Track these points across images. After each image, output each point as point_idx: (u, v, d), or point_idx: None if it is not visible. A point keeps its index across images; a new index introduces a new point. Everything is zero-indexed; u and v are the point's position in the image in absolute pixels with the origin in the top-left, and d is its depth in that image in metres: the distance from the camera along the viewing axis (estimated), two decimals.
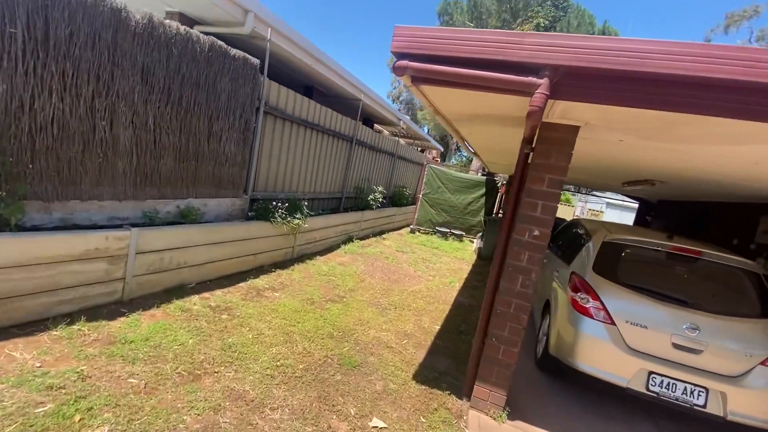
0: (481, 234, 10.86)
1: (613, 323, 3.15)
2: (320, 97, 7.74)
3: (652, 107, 1.86)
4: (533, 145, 2.79)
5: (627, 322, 3.11)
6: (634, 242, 3.50)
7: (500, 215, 10.78)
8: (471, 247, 10.49)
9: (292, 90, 5.64)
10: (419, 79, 2.26)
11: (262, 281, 4.72)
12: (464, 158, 35.10)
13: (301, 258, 6.02)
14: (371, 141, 9.05)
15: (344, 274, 5.70)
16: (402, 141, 11.78)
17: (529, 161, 2.83)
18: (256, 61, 4.53)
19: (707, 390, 2.88)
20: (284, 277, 5.07)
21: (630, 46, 1.81)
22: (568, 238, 4.75)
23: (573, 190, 15.46)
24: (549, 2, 23.65)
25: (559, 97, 2.00)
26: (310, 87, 7.57)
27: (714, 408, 2.85)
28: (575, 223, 4.96)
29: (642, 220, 13.56)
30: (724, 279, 3.24)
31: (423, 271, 7.00)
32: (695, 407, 2.88)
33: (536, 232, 2.73)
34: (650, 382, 2.98)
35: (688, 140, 2.48)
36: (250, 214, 5.20)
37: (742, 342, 2.90)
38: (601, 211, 23.28)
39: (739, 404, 2.82)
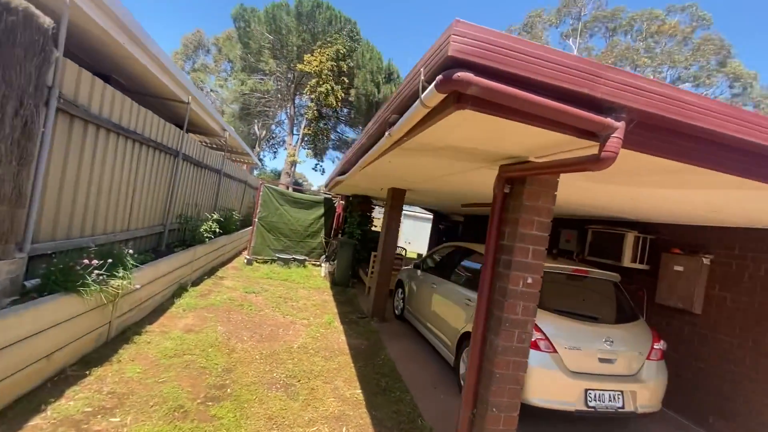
0: (325, 256, 10.33)
1: (555, 351, 3.28)
2: (126, 94, 5.48)
3: (704, 165, 1.88)
4: (512, 186, 2.55)
5: (565, 347, 3.30)
6: (548, 269, 3.81)
7: (343, 235, 10.59)
8: (318, 271, 9.80)
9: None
10: (476, 101, 1.61)
11: (75, 404, 2.71)
12: (270, 171, 33.67)
13: (125, 335, 3.94)
14: (198, 155, 7.13)
15: (203, 347, 4.07)
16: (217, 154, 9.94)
17: (505, 202, 2.58)
18: (48, 21, 2.59)
19: (622, 392, 3.35)
20: (112, 379, 3.11)
21: (705, 104, 1.76)
22: (464, 266, 4.87)
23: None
24: (344, 33, 25.59)
25: (625, 144, 1.79)
26: (106, 76, 5.22)
27: (629, 406, 3.34)
28: (463, 248, 5.14)
29: (437, 229, 16.25)
30: (604, 292, 3.92)
31: (291, 314, 5.90)
32: (618, 410, 3.30)
33: (530, 280, 2.49)
34: (588, 398, 3.24)
35: (664, 186, 2.71)
36: (29, 283, 2.96)
37: (633, 344, 3.54)
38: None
39: (642, 398, 3.40)
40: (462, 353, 4.06)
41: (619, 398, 3.33)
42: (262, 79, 25.45)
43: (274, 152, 33.61)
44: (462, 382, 3.95)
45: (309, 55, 23.29)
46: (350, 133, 29.35)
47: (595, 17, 21.99)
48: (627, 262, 4.99)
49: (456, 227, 15.80)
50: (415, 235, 24.31)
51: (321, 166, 28.50)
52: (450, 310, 4.52)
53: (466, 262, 4.89)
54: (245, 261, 9.25)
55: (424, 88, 1.73)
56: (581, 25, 22.55)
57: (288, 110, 27.26)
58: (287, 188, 13.79)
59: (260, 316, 5.51)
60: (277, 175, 30.63)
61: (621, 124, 1.68)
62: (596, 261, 5.39)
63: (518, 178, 2.50)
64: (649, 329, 3.75)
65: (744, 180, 2.03)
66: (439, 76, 1.52)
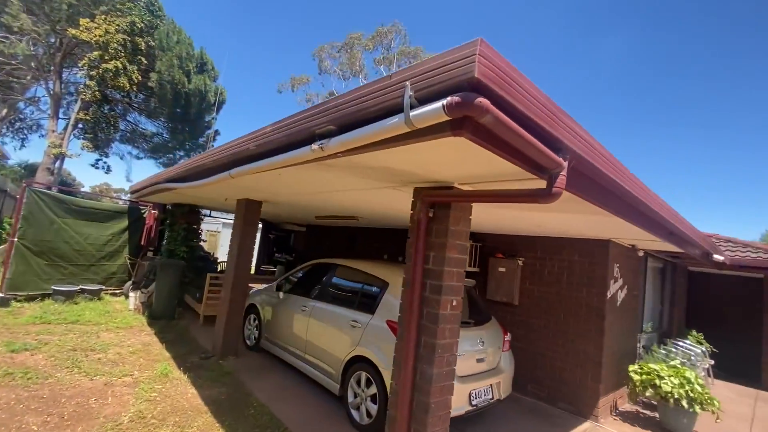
0: (133, 282, 8.08)
1: None
2: None
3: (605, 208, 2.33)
4: (435, 211, 2.55)
5: (457, 356, 3.55)
6: None
7: (159, 254, 8.50)
8: (124, 304, 7.53)
9: None
10: (479, 130, 1.47)
11: None
12: (14, 165, 24.24)
13: None
14: None
15: None
16: None
17: (429, 226, 2.56)
18: None
19: (491, 385, 3.86)
20: None
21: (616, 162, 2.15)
22: (344, 285, 4.61)
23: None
24: (142, 4, 21.16)
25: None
26: None
27: (497, 395, 3.88)
28: (339, 266, 4.85)
29: (266, 239, 15.35)
30: (467, 297, 4.44)
31: (103, 372, 4.28)
32: (490, 402, 3.78)
33: (454, 302, 2.53)
34: (471, 398, 3.58)
35: (539, 210, 3.19)
36: None
37: (494, 340, 4.13)
38: (218, 231, 24.06)
39: (503, 386, 4.00)
40: (350, 380, 3.84)
41: (489, 391, 3.82)
42: (5, 38, 18.07)
43: (22, 139, 24.28)
44: (352, 412, 3.73)
45: (88, 20, 18.03)
46: (149, 125, 24.37)
47: (401, 52, 25.55)
48: (465, 266, 5.86)
49: (288, 237, 15.26)
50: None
51: (105, 162, 22.50)
52: (331, 335, 4.21)
53: (341, 281, 4.68)
54: None
55: (413, 106, 1.49)
56: (392, 56, 25.79)
57: (51, 86, 20.30)
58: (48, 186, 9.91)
59: (51, 386, 3.76)
60: (31, 171, 22.30)
61: (566, 163, 1.89)
62: None
63: (443, 203, 2.52)
64: (499, 325, 4.48)
65: (604, 213, 2.65)
66: (454, 98, 1.33)
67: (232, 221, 21.65)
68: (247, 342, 5.81)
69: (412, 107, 1.50)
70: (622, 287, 5.21)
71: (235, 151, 3.05)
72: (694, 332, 7.77)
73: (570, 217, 3.53)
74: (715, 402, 4.35)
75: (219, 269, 10.49)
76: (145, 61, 20.25)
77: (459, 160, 1.99)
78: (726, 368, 7.90)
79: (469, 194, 2.33)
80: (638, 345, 6.07)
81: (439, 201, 2.50)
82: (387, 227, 7.78)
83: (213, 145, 26.11)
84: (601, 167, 2.17)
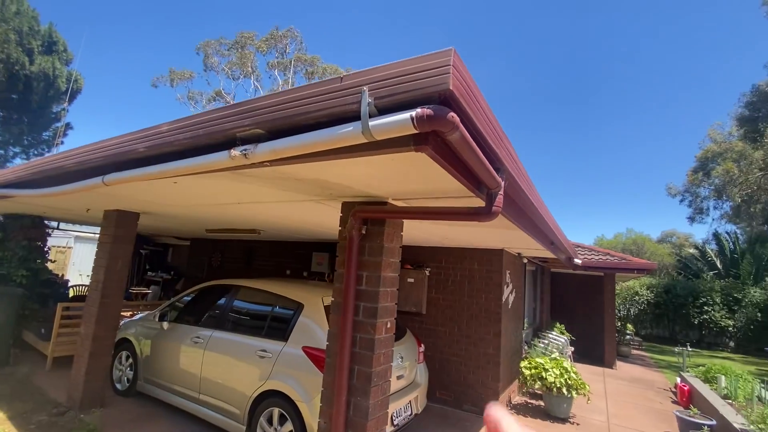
0: None
1: None
2: None
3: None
4: (368, 227, 2.40)
5: None
6: None
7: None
8: None
9: None
10: (441, 146, 1.37)
11: None
12: None
13: None
14: None
15: None
16: None
17: (361, 244, 2.40)
18: None
19: (410, 401, 3.83)
20: None
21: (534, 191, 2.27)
22: (248, 310, 4.06)
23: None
24: None
25: None
26: None
27: (415, 410, 3.86)
28: (241, 288, 4.24)
29: (137, 254, 13.14)
30: None
31: None
32: (409, 418, 3.74)
33: (389, 324, 2.40)
34: (393, 419, 3.48)
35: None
36: None
37: (411, 354, 4.11)
38: (70, 247, 19.30)
39: (420, 399, 4.01)
40: (259, 419, 3.37)
41: (409, 408, 3.78)
42: None
43: None
44: None
45: None
46: None
47: (297, 58, 24.91)
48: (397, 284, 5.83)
49: (165, 251, 13.32)
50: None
51: None
52: (234, 368, 3.66)
53: (244, 304, 4.13)
54: None
55: (372, 114, 1.33)
56: (287, 61, 24.93)
57: None
58: None
59: None
60: None
61: (503, 183, 1.94)
62: None
63: (376, 220, 2.38)
64: (413, 336, 4.51)
65: (515, 228, 2.86)
66: (426, 110, 1.21)
67: (87, 234, 17.94)
68: (117, 386, 4.71)
69: (371, 116, 1.33)
70: (512, 291, 5.80)
71: (113, 152, 2.42)
72: (558, 324, 9.16)
73: (479, 231, 3.76)
74: (586, 386, 5.11)
75: (71, 294, 8.47)
76: None
77: (403, 176, 1.88)
78: (579, 352, 9.48)
79: (407, 211, 2.24)
80: (522, 341, 6.85)
81: (372, 217, 2.35)
82: (290, 240, 7.31)
83: (62, 141, 21.42)
84: (524, 188, 2.32)
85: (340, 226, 2.54)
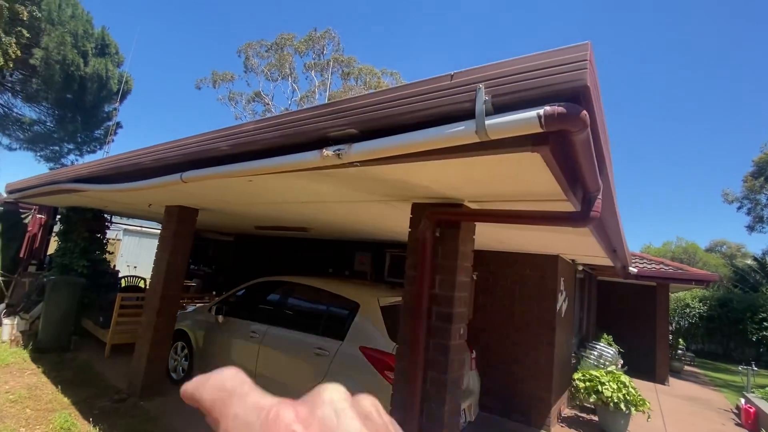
0: (6, 305, 6.39)
1: None
2: None
3: None
4: (442, 230, 2.33)
5: None
6: (396, 302, 3.76)
7: (48, 268, 6.86)
8: None
9: None
10: (561, 145, 1.29)
11: None
12: None
13: None
14: None
15: None
16: None
17: (435, 247, 2.33)
18: None
19: (464, 409, 3.72)
20: None
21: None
22: (304, 307, 4.10)
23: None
24: None
25: None
26: None
27: (468, 418, 3.75)
28: (296, 285, 4.29)
29: None
30: None
31: None
32: (464, 426, 3.64)
33: (462, 331, 2.32)
34: None
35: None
36: None
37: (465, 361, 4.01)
38: (119, 239, 20.59)
39: (474, 408, 3.89)
40: None
41: (463, 415, 3.68)
42: None
43: None
44: None
45: None
46: (27, 110, 20.32)
47: (334, 59, 25.22)
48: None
49: (206, 246, 13.84)
50: (142, 256, 19.31)
51: None
52: (290, 365, 3.70)
53: (300, 302, 4.18)
54: None
55: (488, 113, 1.26)
56: (324, 62, 25.30)
57: None
58: None
59: None
60: None
61: (602, 187, 1.82)
62: (395, 281, 5.93)
63: (451, 222, 2.30)
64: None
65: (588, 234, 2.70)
66: (557, 108, 1.13)
67: (134, 227, 18.92)
68: (173, 375, 4.89)
69: (487, 114, 1.26)
70: (565, 299, 5.56)
71: (193, 150, 2.48)
72: (605, 335, 8.72)
73: (541, 236, 3.60)
74: (646, 403, 4.80)
75: (122, 285, 8.94)
76: (28, 35, 16.89)
77: (494, 177, 1.80)
78: (628, 365, 8.97)
79: (488, 214, 2.16)
80: (572, 351, 6.56)
81: (448, 219, 2.28)
82: (333, 239, 7.36)
83: (113, 140, 22.71)
84: (612, 192, 2.17)
85: (410, 227, 2.49)
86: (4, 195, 7.25)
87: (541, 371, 4.92)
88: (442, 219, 2.28)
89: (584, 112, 1.14)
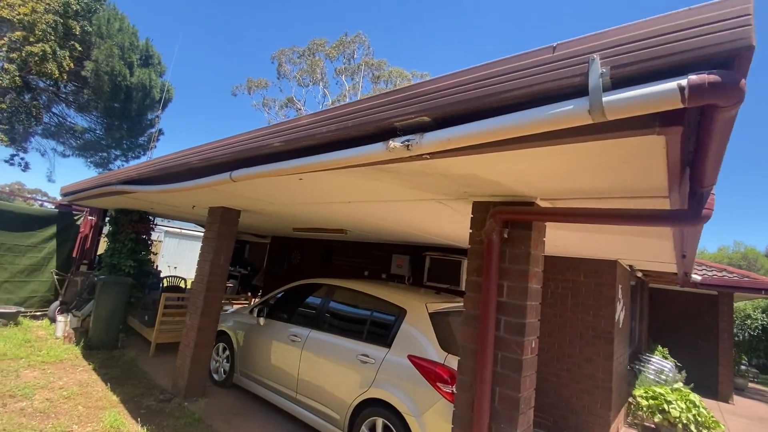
0: (61, 303, 6.68)
1: None
2: None
3: None
4: (510, 231, 2.11)
5: None
6: (448, 308, 3.55)
7: (98, 268, 7.14)
8: (48, 329, 6.16)
9: None
10: (692, 132, 1.06)
11: None
12: None
13: None
14: None
15: None
16: None
17: (499, 250, 2.11)
18: None
19: None
20: None
21: None
22: (347, 312, 3.97)
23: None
24: None
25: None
26: None
27: None
28: (338, 288, 4.17)
29: None
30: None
31: (29, 427, 3.25)
32: None
33: (534, 344, 2.08)
34: None
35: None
36: None
37: None
38: (160, 240, 21.57)
39: None
40: (360, 428, 3.22)
41: None
42: None
43: None
44: None
45: None
46: (79, 119, 21.64)
47: (365, 62, 25.34)
48: (463, 285, 5.49)
49: (242, 248, 14.12)
50: (182, 257, 20.09)
51: (22, 159, 19.53)
52: (333, 371, 3.56)
53: (342, 306, 4.04)
54: None
55: (606, 88, 1.04)
56: (354, 66, 25.46)
57: None
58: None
59: None
60: None
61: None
62: (435, 286, 5.70)
63: (520, 222, 2.08)
64: None
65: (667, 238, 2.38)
66: (709, 76, 0.90)
67: (175, 229, 19.70)
68: (215, 376, 4.90)
69: (605, 90, 1.05)
70: (623, 308, 5.14)
71: (242, 148, 2.39)
72: (659, 347, 8.08)
73: (608, 239, 3.29)
74: (720, 425, 4.32)
75: (166, 284, 9.21)
76: (80, 48, 18.04)
77: (585, 169, 1.57)
78: (685, 380, 8.29)
79: (566, 213, 1.91)
80: (627, 364, 6.07)
81: (518, 219, 2.06)
82: (369, 241, 7.23)
83: (155, 146, 23.81)
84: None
85: (471, 228, 2.29)
86: (58, 198, 7.64)
87: (598, 386, 4.54)
88: (511, 219, 2.06)
89: (744, 81, 0.91)
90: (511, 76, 1.25)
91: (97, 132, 22.19)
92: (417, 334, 3.27)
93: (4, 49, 15.90)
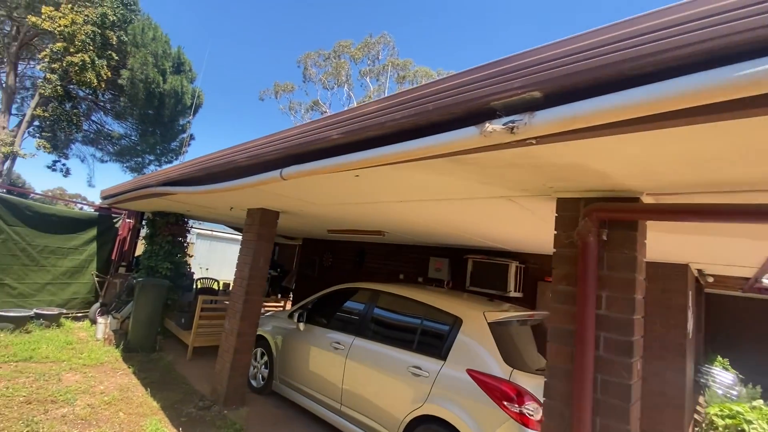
0: (100, 305, 6.77)
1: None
2: None
3: None
4: (609, 232, 1.80)
5: None
6: (509, 318, 3.25)
7: (135, 270, 7.22)
8: (88, 331, 6.23)
9: None
10: None
11: None
12: None
13: None
14: None
15: None
16: None
17: (597, 255, 1.80)
18: None
19: None
20: None
21: None
22: (394, 320, 3.72)
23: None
24: None
25: None
26: None
27: None
28: (382, 293, 3.92)
29: None
30: (540, 334, 3.69)
31: None
32: None
33: (639, 366, 1.76)
34: None
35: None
36: None
37: None
38: (192, 243, 22.18)
39: None
40: None
41: None
42: None
43: None
44: None
45: (51, 8, 16.36)
46: (116, 126, 22.47)
47: (390, 63, 25.18)
48: (512, 291, 5.15)
49: (272, 249, 14.09)
50: (213, 259, 20.48)
51: (63, 164, 20.41)
52: (381, 383, 3.32)
53: (389, 313, 3.80)
54: None
55: None
56: (380, 67, 25.35)
57: (4, 78, 18.24)
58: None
59: None
60: None
61: None
62: (479, 291, 5.38)
63: (623, 222, 1.77)
64: None
65: None
66: None
67: (206, 231, 20.02)
68: (252, 383, 4.76)
69: None
70: (693, 317, 4.66)
71: (297, 143, 2.19)
72: (719, 358, 7.41)
73: (687, 240, 2.90)
74: None
75: (199, 286, 9.26)
76: (116, 57, 18.71)
77: (742, 151, 1.25)
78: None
79: (681, 210, 1.58)
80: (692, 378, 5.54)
81: (620, 218, 1.75)
82: (404, 243, 6.97)
83: (187, 150, 24.44)
84: None
85: (556, 229, 1.99)
86: (97, 203, 7.79)
87: (667, 403, 4.10)
88: (611, 218, 1.75)
89: None
90: (655, 35, 0.96)
91: (133, 138, 22.98)
92: (476, 346, 2.99)
93: (46, 59, 16.64)
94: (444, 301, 3.41)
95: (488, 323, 3.06)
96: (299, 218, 5.03)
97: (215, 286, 9.39)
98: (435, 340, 3.24)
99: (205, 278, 9.82)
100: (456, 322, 3.17)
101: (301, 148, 2.18)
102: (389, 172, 2.05)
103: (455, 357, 3.01)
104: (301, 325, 4.31)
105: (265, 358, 4.72)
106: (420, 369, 3.10)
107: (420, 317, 3.45)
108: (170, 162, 23.99)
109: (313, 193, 3.09)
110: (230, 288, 9.46)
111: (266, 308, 7.20)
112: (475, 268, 5.54)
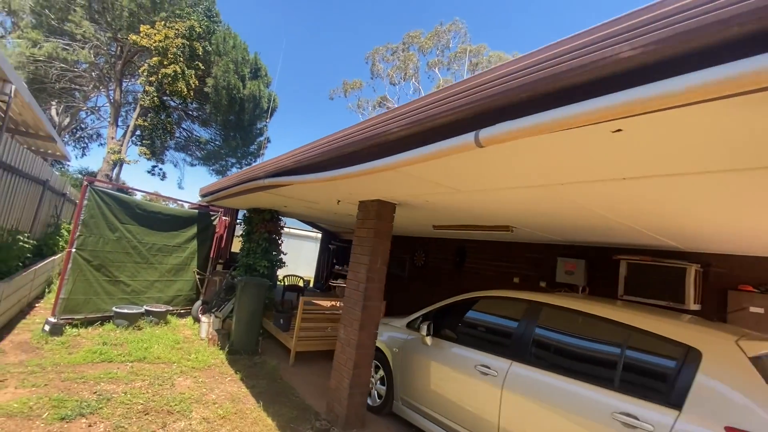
0: (202, 302, 6.74)
1: None
2: None
3: None
4: None
5: None
6: None
7: (233, 268, 7.14)
8: (191, 329, 6.19)
9: None
10: None
11: None
12: (76, 172, 24.64)
13: None
14: None
15: None
16: None
17: None
18: None
19: None
20: None
21: None
22: (575, 345, 2.83)
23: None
24: (201, 9, 20.90)
25: None
26: None
27: None
28: (546, 306, 3.00)
29: (326, 249, 13.96)
30: None
31: None
32: None
33: None
34: None
35: None
36: None
37: None
38: None
39: None
40: None
41: None
42: (69, 45, 18.14)
43: (83, 148, 24.64)
44: None
45: (148, 26, 17.79)
46: (202, 132, 24.09)
47: (462, 50, 23.87)
48: (691, 303, 3.94)
49: (348, 247, 13.77)
50: (288, 256, 21.00)
51: (160, 169, 22.31)
52: (561, 429, 2.45)
53: (557, 334, 2.90)
54: (45, 328, 4.97)
55: None
56: (452, 56, 24.17)
57: (112, 94, 20.34)
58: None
59: None
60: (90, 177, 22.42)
61: None
62: (640, 302, 4.23)
63: None
64: None
65: None
66: None
67: (285, 228, 20.48)
68: (368, 401, 4.16)
69: None
70: None
71: (502, 90, 1.42)
72: None
73: None
74: None
75: (284, 283, 9.09)
76: (202, 66, 19.90)
77: None
78: None
79: None
80: None
81: None
82: (517, 241, 5.97)
83: (264, 153, 25.48)
84: None
85: None
86: (195, 202, 7.88)
87: None
88: None
89: None
90: None
91: (217, 142, 24.47)
92: (733, 393, 2.00)
93: (144, 73, 18.15)
94: (663, 325, 2.43)
95: (749, 358, 2.05)
96: (410, 211, 4.32)
97: (301, 283, 9.19)
98: (651, 380, 2.30)
99: (291, 275, 9.68)
100: (689, 355, 2.20)
101: (510, 98, 1.42)
102: (679, 117, 1.18)
103: (698, 406, 2.05)
104: (429, 339, 3.59)
105: (381, 372, 4.10)
106: (636, 418, 2.18)
107: (619, 344, 2.51)
108: (249, 164, 25.19)
109: (471, 174, 2.31)
110: (336, 287, 9.16)
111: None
112: (632, 272, 4.39)
